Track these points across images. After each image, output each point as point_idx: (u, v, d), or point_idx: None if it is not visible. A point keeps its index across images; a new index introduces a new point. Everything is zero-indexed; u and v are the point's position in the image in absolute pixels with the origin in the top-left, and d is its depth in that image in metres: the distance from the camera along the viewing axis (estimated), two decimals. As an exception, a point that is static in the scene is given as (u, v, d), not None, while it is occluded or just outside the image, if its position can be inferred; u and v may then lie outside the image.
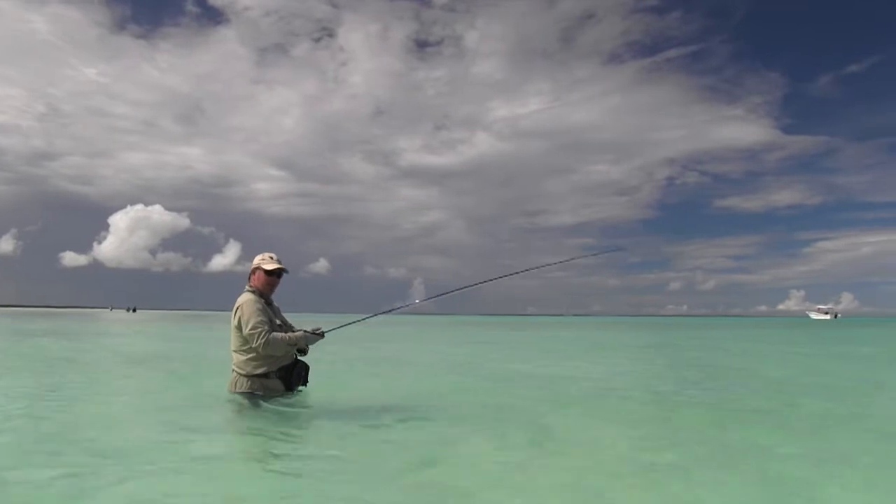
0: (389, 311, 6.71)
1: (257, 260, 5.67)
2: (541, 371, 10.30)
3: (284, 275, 5.70)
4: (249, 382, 5.45)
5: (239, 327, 5.40)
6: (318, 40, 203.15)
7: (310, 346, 5.63)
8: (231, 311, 5.55)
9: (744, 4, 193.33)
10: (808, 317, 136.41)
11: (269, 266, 5.60)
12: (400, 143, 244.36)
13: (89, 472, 3.39)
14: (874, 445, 4.53)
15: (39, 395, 6.39)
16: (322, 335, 5.62)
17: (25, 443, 4.11)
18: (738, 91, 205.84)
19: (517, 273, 6.77)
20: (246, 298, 5.49)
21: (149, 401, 6.37)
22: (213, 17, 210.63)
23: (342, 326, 6.15)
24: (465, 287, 6.59)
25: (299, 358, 5.69)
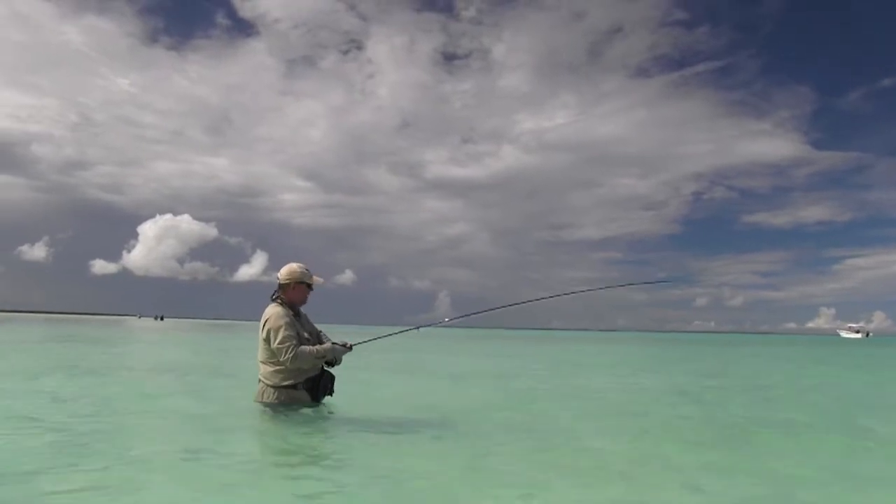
0: (418, 327, 6.69)
1: (297, 274, 5.61)
2: (564, 385, 10.24)
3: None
4: (276, 393, 5.47)
5: (267, 340, 5.41)
6: (345, 52, 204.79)
7: (342, 358, 5.65)
8: (258, 321, 5.57)
9: (772, 18, 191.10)
10: (838, 335, 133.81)
11: (315, 281, 5.67)
12: (426, 155, 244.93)
13: (113, 480, 3.42)
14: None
15: (67, 401, 6.48)
16: (350, 348, 5.64)
17: (51, 449, 4.14)
18: (766, 105, 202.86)
19: (559, 295, 6.67)
20: (273, 311, 5.48)
21: (175, 410, 6.42)
22: (244, 29, 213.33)
23: (371, 340, 6.15)
24: (502, 307, 6.56)
25: (326, 369, 5.68)
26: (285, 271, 5.64)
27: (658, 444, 5.03)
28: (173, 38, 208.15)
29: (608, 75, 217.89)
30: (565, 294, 6.69)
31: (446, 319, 6.61)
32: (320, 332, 5.83)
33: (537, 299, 6.57)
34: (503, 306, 6.54)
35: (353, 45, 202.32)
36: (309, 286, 5.67)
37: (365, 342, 5.97)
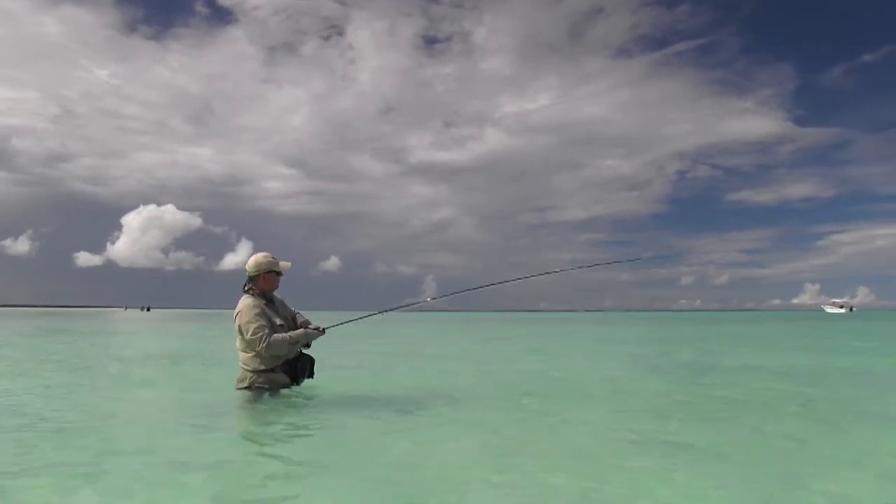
0: (390, 309, 6.80)
1: (265, 264, 5.73)
2: (544, 367, 10.42)
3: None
4: (256, 377, 5.62)
5: (241, 332, 5.56)
6: (326, 38, 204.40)
7: (312, 342, 5.79)
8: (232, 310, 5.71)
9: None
10: (823, 310, 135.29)
11: (282, 267, 5.81)
12: (409, 140, 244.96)
13: (96, 467, 3.52)
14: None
15: (48, 394, 6.57)
16: (322, 332, 5.78)
17: (29, 442, 4.21)
18: (748, 84, 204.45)
19: (531, 277, 6.81)
20: (245, 304, 5.62)
21: (159, 397, 6.56)
22: (223, 16, 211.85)
23: (343, 323, 6.29)
24: (471, 289, 6.71)
25: (304, 351, 5.82)
26: (252, 263, 5.76)
27: (637, 424, 5.22)
28: (152, 28, 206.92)
29: (590, 56, 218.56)
30: (539, 275, 6.86)
31: (427, 299, 6.75)
32: (296, 313, 5.94)
33: (513, 280, 6.76)
34: (474, 287, 6.70)
35: (334, 31, 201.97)
36: (278, 273, 5.81)
37: (338, 325, 6.10)
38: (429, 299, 6.84)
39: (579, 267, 7.47)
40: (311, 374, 5.90)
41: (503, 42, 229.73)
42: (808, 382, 8.07)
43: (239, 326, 5.55)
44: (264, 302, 5.69)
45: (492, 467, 3.56)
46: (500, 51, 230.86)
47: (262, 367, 5.60)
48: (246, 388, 5.65)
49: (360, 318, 6.62)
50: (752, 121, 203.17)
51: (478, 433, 4.53)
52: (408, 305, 6.79)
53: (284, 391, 5.66)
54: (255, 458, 3.85)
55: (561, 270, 7.08)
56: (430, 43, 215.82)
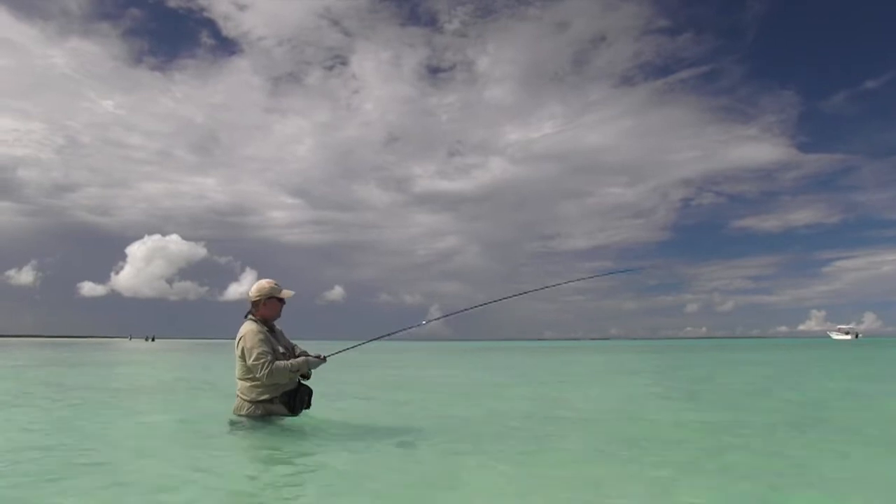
0: (388, 335, 6.83)
1: (267, 289, 5.74)
2: (544, 395, 10.37)
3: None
4: (253, 407, 5.60)
5: (243, 357, 5.55)
6: (330, 68, 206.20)
7: (312, 371, 5.79)
8: (234, 340, 5.70)
9: (756, 23, 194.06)
10: (829, 337, 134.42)
11: (284, 294, 5.79)
12: (414, 169, 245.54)
13: (95, 495, 3.55)
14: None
15: (49, 426, 6.56)
16: (324, 360, 5.79)
17: (28, 474, 4.23)
18: (752, 110, 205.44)
19: (509, 297, 6.91)
20: (248, 329, 5.61)
21: (158, 427, 6.53)
22: (228, 47, 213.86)
23: (343, 351, 6.30)
24: (459, 311, 6.78)
25: (302, 382, 5.82)
26: (255, 289, 5.79)
27: (632, 456, 5.17)
28: (158, 59, 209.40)
29: (593, 84, 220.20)
30: (528, 292, 6.95)
31: (420, 324, 6.79)
32: (294, 346, 5.96)
33: (504, 298, 6.88)
34: (461, 310, 6.78)
35: (338, 61, 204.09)
36: (280, 300, 5.80)
37: (338, 353, 6.11)
38: (423, 322, 6.93)
39: (549, 286, 7.61)
40: (308, 405, 5.87)
41: (507, 71, 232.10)
42: (813, 407, 8.01)
43: (242, 350, 5.53)
44: (266, 328, 5.70)
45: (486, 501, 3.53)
46: (504, 80, 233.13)
47: (261, 398, 5.57)
48: (241, 417, 5.63)
49: (361, 343, 6.62)
50: (756, 147, 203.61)
51: (477, 466, 4.48)
52: (404, 329, 6.79)
53: (280, 421, 5.62)
54: (241, 493, 3.82)
55: (532, 290, 7.17)
56: (434, 72, 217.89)
